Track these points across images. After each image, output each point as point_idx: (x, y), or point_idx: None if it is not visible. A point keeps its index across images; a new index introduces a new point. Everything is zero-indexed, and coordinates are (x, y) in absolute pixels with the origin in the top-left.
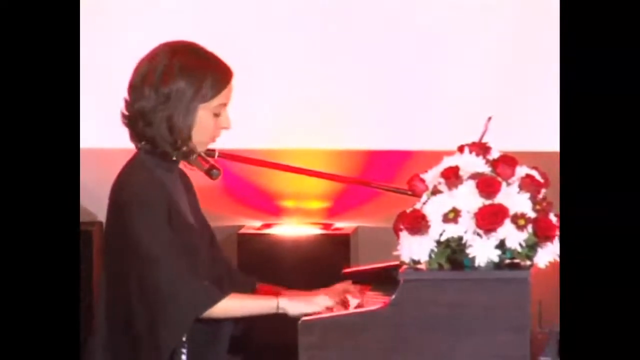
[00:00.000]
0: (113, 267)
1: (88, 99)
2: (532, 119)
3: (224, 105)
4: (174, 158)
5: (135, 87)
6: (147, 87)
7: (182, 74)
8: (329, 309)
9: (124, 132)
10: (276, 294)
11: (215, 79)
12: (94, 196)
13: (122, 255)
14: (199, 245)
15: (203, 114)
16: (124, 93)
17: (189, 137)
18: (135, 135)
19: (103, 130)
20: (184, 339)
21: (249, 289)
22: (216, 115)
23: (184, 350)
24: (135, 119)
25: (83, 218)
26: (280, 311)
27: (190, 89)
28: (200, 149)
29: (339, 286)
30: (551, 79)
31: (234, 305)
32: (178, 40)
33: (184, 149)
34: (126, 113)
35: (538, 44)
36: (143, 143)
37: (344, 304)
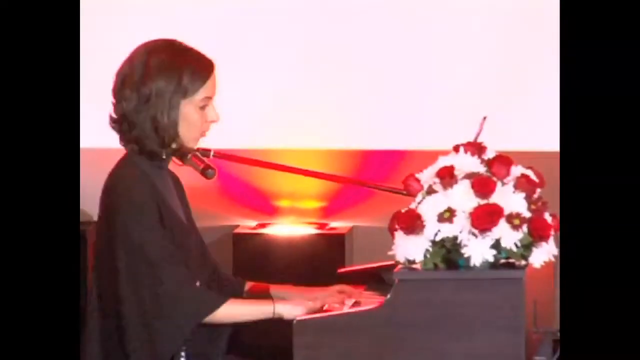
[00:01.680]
0: (103, 270)
1: (88, 99)
2: (532, 119)
3: (209, 98)
4: (164, 157)
5: (117, 90)
6: (128, 89)
7: (159, 72)
8: (327, 309)
9: None
10: (272, 300)
11: (193, 72)
12: (91, 196)
13: (112, 257)
14: (190, 243)
15: (188, 109)
16: None
17: (176, 134)
18: (123, 138)
19: (103, 130)
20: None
21: (238, 289)
22: (202, 108)
23: (183, 353)
24: (120, 122)
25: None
26: (276, 316)
27: (170, 85)
28: (192, 144)
29: (335, 287)
30: (551, 79)
31: (232, 311)
32: (155, 39)
33: (173, 146)
34: (114, 116)
35: (538, 44)
36: (131, 145)
37: (340, 304)
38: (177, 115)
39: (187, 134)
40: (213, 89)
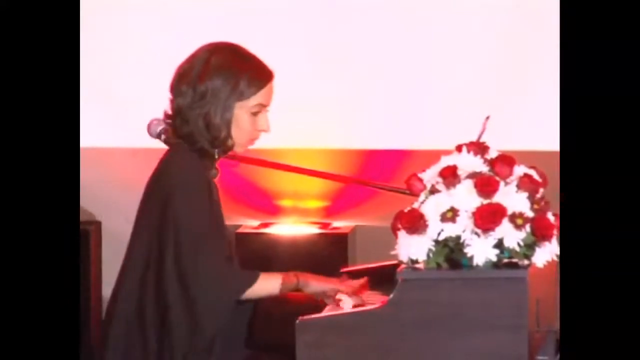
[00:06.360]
0: (150, 250)
1: (88, 99)
2: (532, 119)
3: (263, 106)
4: (216, 156)
5: (174, 86)
6: (185, 85)
7: (218, 72)
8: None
9: (124, 132)
10: (295, 275)
11: (252, 77)
12: (93, 196)
13: (162, 237)
14: (227, 235)
15: (240, 112)
16: (124, 93)
17: (229, 135)
18: (174, 133)
19: (103, 130)
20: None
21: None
22: (254, 114)
23: None
24: (174, 117)
25: (81, 217)
26: (300, 287)
27: (226, 86)
28: (238, 149)
29: (355, 282)
30: (551, 79)
31: (262, 285)
32: (218, 42)
33: (225, 146)
34: (169, 112)
35: (538, 43)
36: (182, 141)
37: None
38: (230, 116)
39: (236, 138)
40: (268, 97)
